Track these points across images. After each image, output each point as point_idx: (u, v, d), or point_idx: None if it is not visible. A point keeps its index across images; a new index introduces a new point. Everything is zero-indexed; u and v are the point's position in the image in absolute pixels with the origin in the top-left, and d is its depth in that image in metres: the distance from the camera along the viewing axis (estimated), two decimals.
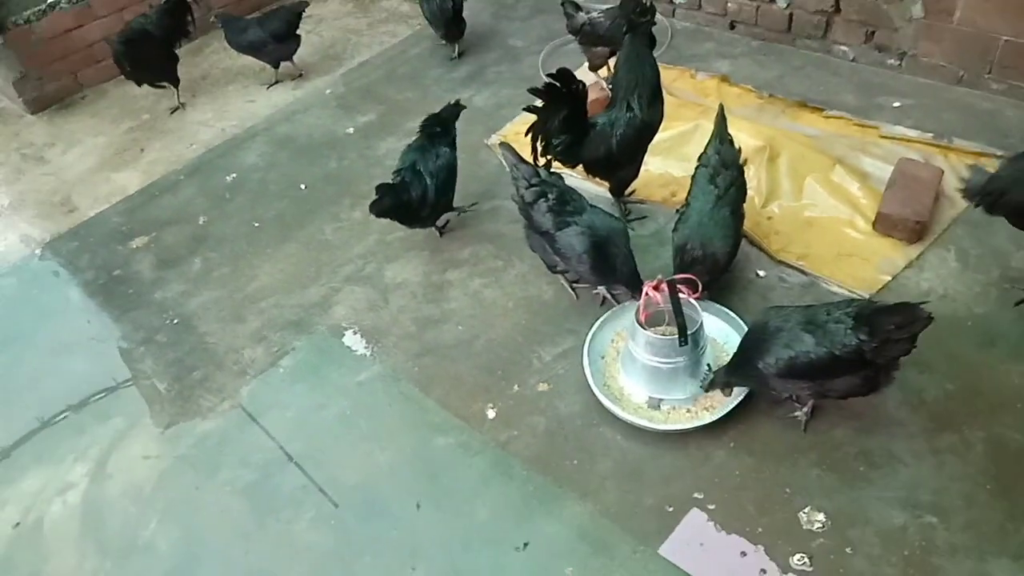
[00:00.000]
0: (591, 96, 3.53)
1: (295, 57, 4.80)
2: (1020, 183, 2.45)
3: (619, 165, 3.17)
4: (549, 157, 3.06)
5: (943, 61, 3.66)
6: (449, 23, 4.55)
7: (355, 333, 3.06)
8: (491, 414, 2.67)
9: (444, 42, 4.76)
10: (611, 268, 2.74)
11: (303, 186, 3.91)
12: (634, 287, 2.68)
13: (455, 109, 3.37)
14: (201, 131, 4.56)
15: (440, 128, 3.31)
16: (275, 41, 4.67)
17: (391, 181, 3.17)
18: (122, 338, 3.26)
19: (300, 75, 4.88)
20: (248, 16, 4.88)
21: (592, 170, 3.22)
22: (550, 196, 2.77)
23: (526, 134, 3.02)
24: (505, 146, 2.97)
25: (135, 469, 2.74)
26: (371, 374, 2.90)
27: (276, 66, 4.83)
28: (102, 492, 2.70)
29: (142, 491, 2.67)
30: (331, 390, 2.88)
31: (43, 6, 4.87)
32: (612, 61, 3.84)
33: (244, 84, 4.95)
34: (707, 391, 2.49)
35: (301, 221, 3.68)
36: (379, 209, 3.08)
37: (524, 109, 2.98)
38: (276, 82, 4.87)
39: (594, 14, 3.90)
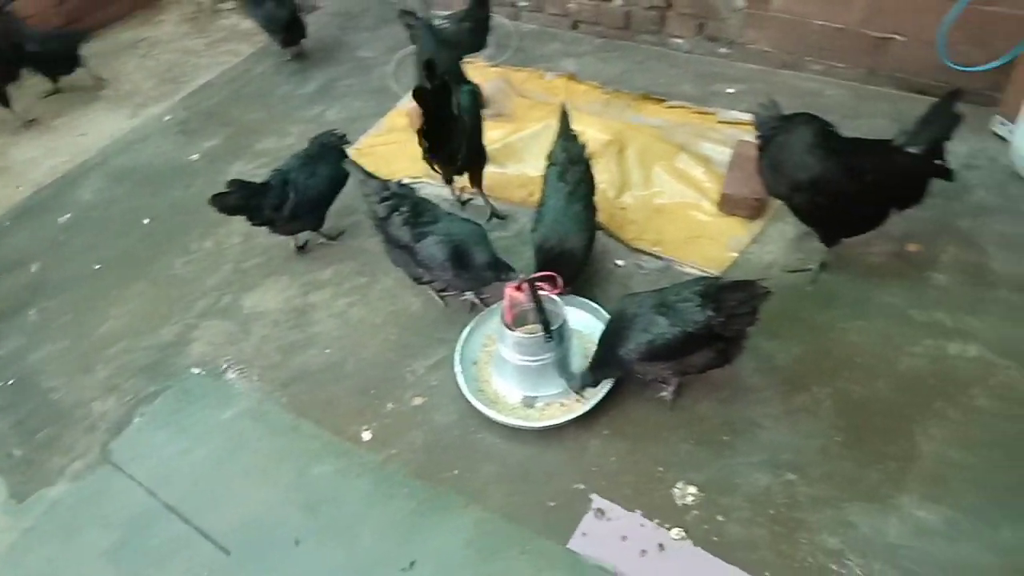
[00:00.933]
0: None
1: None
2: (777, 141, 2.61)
3: (481, 147, 3.21)
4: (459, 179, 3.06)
5: (768, 47, 3.91)
6: (289, 26, 4.43)
7: (217, 369, 2.90)
8: (367, 436, 2.60)
9: (285, 50, 4.63)
10: (475, 272, 2.74)
11: (147, 220, 3.67)
12: (505, 275, 2.67)
13: (334, 138, 3.25)
14: (28, 170, 4.19)
15: (320, 149, 3.21)
16: (47, 61, 4.53)
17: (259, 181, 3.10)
18: None
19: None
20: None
21: (465, 164, 3.18)
22: (403, 209, 2.73)
23: (433, 164, 2.99)
24: (349, 162, 2.91)
25: None
26: (238, 410, 2.76)
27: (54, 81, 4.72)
28: None
29: None
30: (196, 432, 2.71)
31: None
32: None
33: (73, 117, 4.60)
34: (578, 394, 2.53)
35: (148, 257, 3.45)
36: (221, 204, 2.98)
37: (426, 146, 2.97)
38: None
39: (437, 21, 3.89)
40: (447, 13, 3.99)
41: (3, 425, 2.83)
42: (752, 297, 2.20)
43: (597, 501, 2.31)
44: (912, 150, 2.57)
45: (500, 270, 2.66)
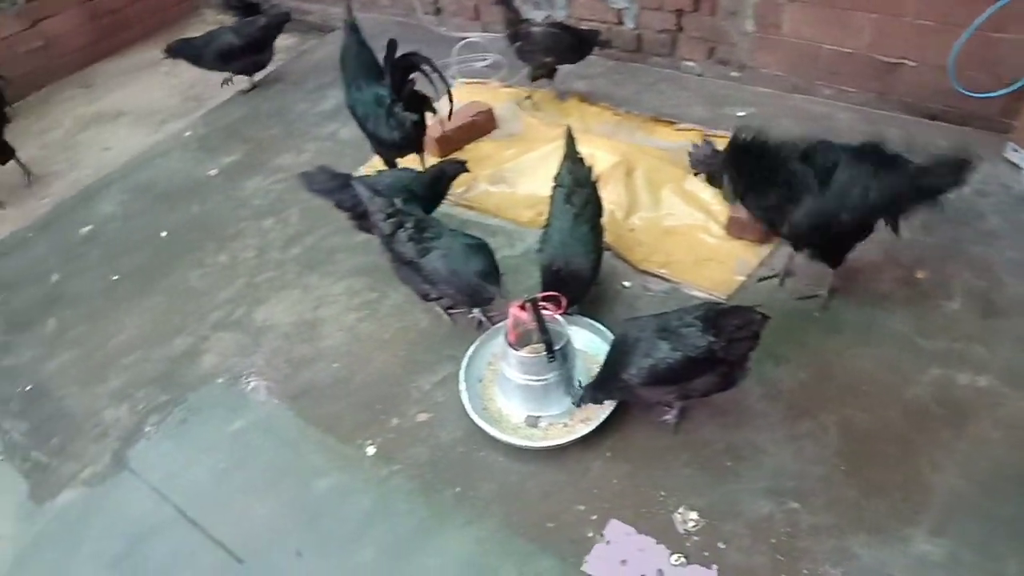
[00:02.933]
0: (466, 118, 3.85)
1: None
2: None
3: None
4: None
5: (778, 71, 3.93)
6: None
7: (226, 381, 2.95)
8: (371, 451, 2.62)
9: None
10: (477, 286, 2.75)
11: (164, 233, 3.75)
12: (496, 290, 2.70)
13: (455, 166, 3.24)
14: (53, 183, 4.30)
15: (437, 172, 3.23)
16: None
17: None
18: None
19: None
20: None
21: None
22: (408, 225, 2.77)
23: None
24: (358, 181, 2.95)
25: None
26: (245, 423, 2.79)
27: None
28: None
29: None
30: (203, 444, 2.75)
31: None
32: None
33: (98, 131, 4.72)
34: (578, 406, 2.54)
35: (164, 270, 3.52)
36: (309, 182, 3.08)
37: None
38: None
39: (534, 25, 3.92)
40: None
41: (19, 431, 2.90)
42: (750, 323, 2.21)
43: (597, 523, 2.31)
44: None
45: (495, 284, 2.69)
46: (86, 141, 4.65)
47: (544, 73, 4.02)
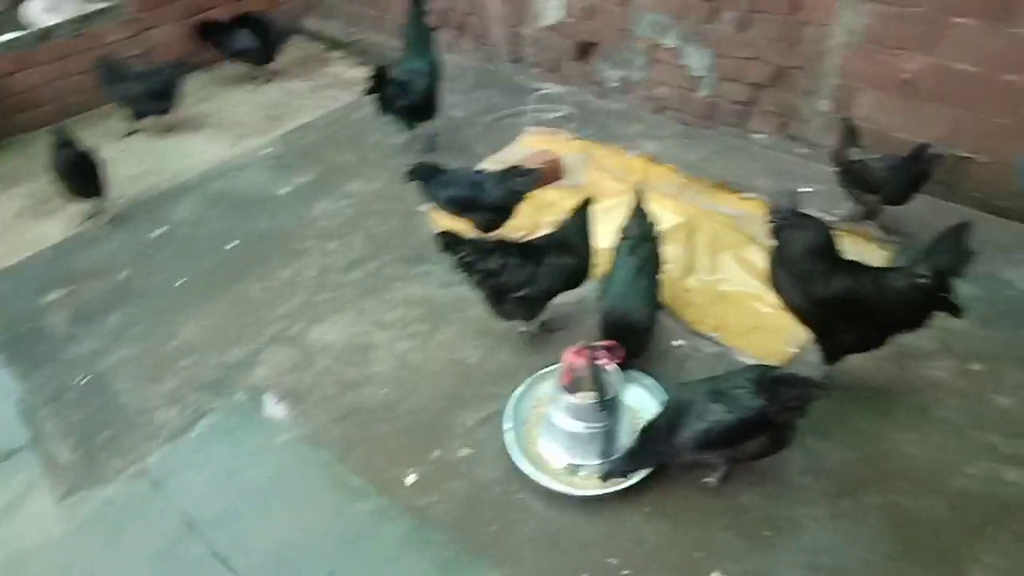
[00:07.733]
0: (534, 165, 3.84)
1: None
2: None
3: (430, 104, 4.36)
4: None
5: None
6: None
7: (276, 394, 3.03)
8: (411, 479, 2.66)
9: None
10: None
11: (234, 243, 3.89)
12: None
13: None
14: (130, 184, 4.49)
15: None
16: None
17: None
18: (26, 397, 3.12)
19: None
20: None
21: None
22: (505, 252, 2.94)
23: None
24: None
25: (27, 538, 2.60)
26: (290, 437, 2.86)
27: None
28: None
29: (31, 564, 2.52)
30: (247, 453, 2.82)
31: None
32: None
33: (180, 140, 4.94)
34: (604, 480, 2.50)
35: (228, 279, 3.65)
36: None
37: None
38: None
39: (870, 156, 3.44)
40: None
41: (70, 421, 3.00)
42: (806, 395, 2.24)
43: None
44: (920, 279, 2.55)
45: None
46: (167, 147, 4.86)
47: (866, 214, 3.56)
